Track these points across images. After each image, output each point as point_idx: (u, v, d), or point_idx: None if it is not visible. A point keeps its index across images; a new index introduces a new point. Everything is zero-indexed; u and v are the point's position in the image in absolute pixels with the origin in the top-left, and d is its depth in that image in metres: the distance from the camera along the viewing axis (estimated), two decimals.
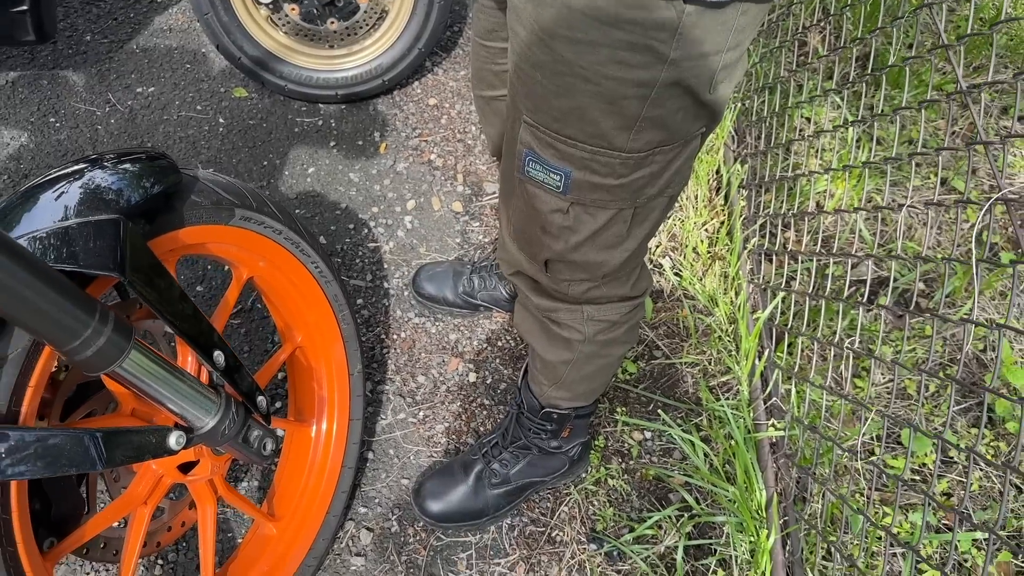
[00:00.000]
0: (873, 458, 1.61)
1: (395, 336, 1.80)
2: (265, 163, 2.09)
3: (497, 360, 1.77)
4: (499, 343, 1.80)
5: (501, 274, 1.77)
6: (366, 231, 1.99)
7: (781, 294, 1.62)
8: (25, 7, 1.85)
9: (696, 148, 1.03)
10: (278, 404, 1.68)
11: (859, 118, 1.55)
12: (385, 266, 1.93)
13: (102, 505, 1.19)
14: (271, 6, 1.99)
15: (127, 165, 1.08)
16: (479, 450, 1.57)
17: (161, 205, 1.10)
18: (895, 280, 1.86)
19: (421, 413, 1.69)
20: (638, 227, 1.08)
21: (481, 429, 1.67)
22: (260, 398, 1.17)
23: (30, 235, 0.94)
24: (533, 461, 1.53)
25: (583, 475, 1.60)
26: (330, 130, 2.19)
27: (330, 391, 1.47)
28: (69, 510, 1.14)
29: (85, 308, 0.87)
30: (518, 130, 1.02)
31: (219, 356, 1.09)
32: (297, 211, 2.00)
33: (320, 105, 2.23)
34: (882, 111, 1.55)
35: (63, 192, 1.01)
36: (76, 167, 1.05)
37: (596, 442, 1.64)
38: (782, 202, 1.81)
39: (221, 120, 2.17)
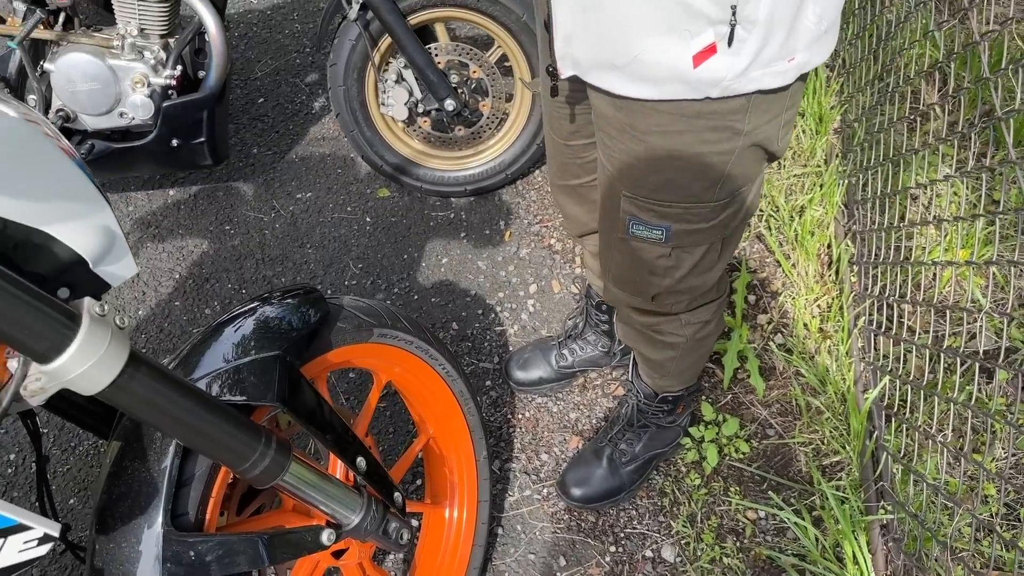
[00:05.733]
0: (986, 539, 1.61)
1: (520, 416, 1.97)
2: (405, 256, 2.33)
3: None
4: None
5: (597, 330, 1.94)
6: (493, 316, 2.18)
7: (887, 378, 1.66)
8: (203, 139, 2.20)
9: (763, 175, 1.28)
10: (418, 481, 1.88)
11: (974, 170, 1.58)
12: (511, 348, 2.10)
13: None
14: (406, 121, 2.25)
15: (287, 302, 1.31)
16: (605, 437, 1.81)
17: (313, 335, 1.32)
18: (1017, 350, 1.84)
19: (545, 490, 1.84)
20: (727, 249, 1.32)
21: (600, 508, 1.79)
22: (396, 494, 1.36)
23: (212, 374, 1.18)
24: (653, 436, 1.78)
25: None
26: (460, 222, 2.41)
27: (459, 476, 1.65)
28: None
29: (253, 435, 1.09)
30: (618, 203, 1.25)
31: (361, 462, 1.29)
32: (433, 299, 2.22)
33: (452, 199, 2.46)
34: (991, 167, 1.56)
35: (236, 331, 1.25)
36: (247, 307, 1.29)
37: (710, 521, 1.73)
38: (895, 275, 1.84)
39: (368, 219, 2.44)
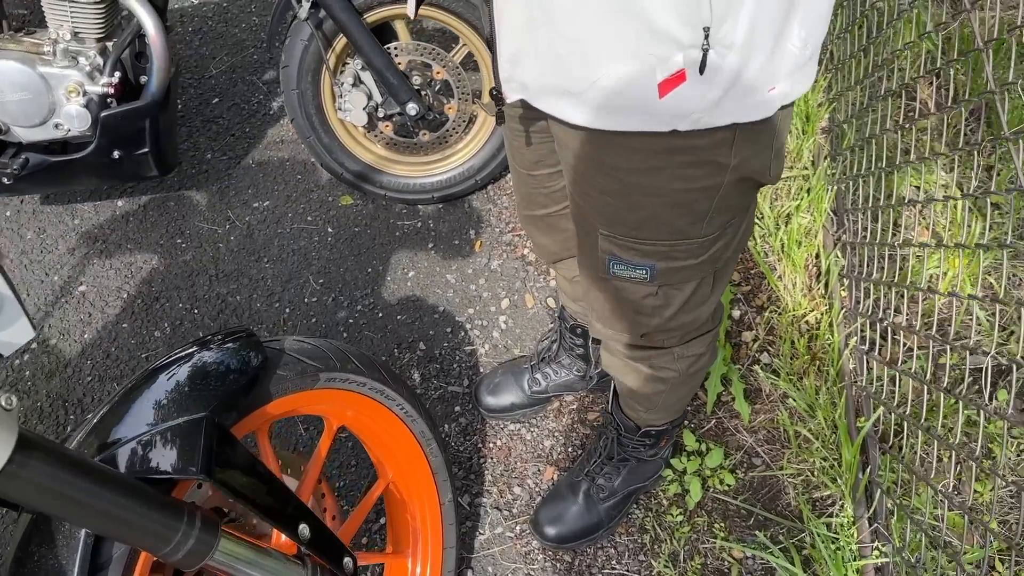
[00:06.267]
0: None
1: (491, 444, 1.85)
2: (369, 270, 2.19)
3: None
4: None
5: (572, 353, 1.80)
6: (463, 334, 2.05)
7: (880, 409, 1.54)
8: (147, 149, 2.05)
9: (756, 203, 1.17)
10: (382, 520, 1.75)
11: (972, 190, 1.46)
12: (481, 370, 1.97)
13: None
14: (366, 126, 2.10)
15: (217, 351, 1.17)
16: (581, 471, 1.67)
17: (250, 385, 1.18)
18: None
19: (518, 527, 1.72)
20: (720, 282, 1.19)
21: (577, 547, 1.67)
22: (346, 559, 1.24)
23: (128, 442, 1.04)
24: (633, 469, 1.64)
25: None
26: (428, 231, 2.27)
27: (423, 522, 1.52)
28: None
29: (173, 515, 0.96)
30: (595, 241, 1.12)
31: (304, 529, 1.16)
32: (399, 317, 2.09)
33: (419, 207, 2.32)
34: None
35: (158, 389, 1.11)
36: (170, 360, 1.15)
37: (693, 561, 1.61)
38: (888, 288, 1.72)
39: (330, 229, 2.29)
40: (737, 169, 0.99)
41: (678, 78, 0.88)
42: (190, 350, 1.17)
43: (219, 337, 1.20)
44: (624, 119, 0.94)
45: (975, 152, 1.31)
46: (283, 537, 1.22)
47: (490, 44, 1.00)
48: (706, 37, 0.84)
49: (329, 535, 1.21)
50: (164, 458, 1.04)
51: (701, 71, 0.87)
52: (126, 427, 1.08)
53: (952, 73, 1.37)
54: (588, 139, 1.00)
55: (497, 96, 1.04)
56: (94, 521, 0.91)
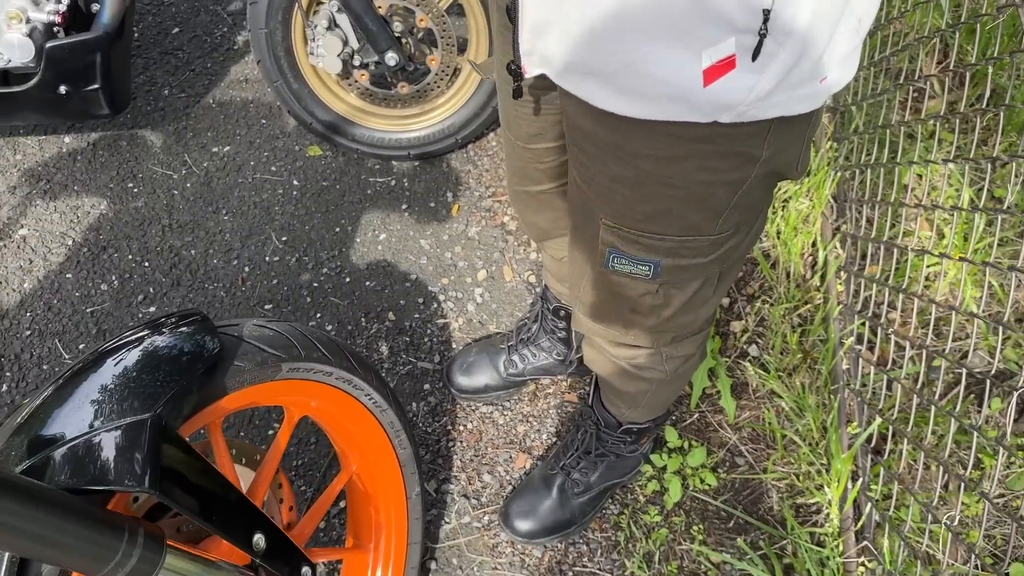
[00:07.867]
0: None
1: (461, 427, 1.75)
2: (337, 229, 2.05)
3: None
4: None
5: (553, 336, 1.70)
6: (435, 305, 1.92)
7: (878, 421, 1.47)
8: (97, 86, 1.86)
9: (772, 199, 1.09)
10: (342, 503, 1.65)
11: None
12: (454, 346, 1.86)
13: None
14: (340, 74, 1.93)
15: (165, 340, 1.04)
16: (557, 464, 1.59)
17: (201, 381, 1.05)
18: (1013, 374, 1.67)
19: (486, 518, 1.63)
20: (723, 283, 1.10)
21: (548, 543, 1.59)
22: (304, 569, 1.14)
23: (60, 446, 0.92)
24: (611, 465, 1.57)
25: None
26: (403, 190, 2.12)
27: (387, 517, 1.42)
28: None
29: (111, 533, 0.84)
30: (596, 231, 1.01)
31: (259, 539, 1.05)
32: (367, 283, 1.95)
33: (393, 163, 2.16)
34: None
35: (97, 383, 0.99)
36: (111, 347, 1.02)
37: (668, 564, 1.54)
38: (886, 283, 1.64)
39: (295, 182, 2.13)
40: (768, 163, 0.89)
41: (727, 65, 0.77)
42: (140, 334, 1.04)
43: (171, 322, 1.07)
44: (660, 107, 0.82)
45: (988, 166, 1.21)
46: None
47: (510, 11, 0.86)
48: (765, 21, 0.73)
49: (286, 543, 1.11)
50: (103, 467, 0.92)
51: (754, 58, 0.76)
52: (62, 425, 0.96)
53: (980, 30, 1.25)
54: (608, 122, 0.88)
55: (516, 70, 0.90)
56: (17, 544, 0.79)
